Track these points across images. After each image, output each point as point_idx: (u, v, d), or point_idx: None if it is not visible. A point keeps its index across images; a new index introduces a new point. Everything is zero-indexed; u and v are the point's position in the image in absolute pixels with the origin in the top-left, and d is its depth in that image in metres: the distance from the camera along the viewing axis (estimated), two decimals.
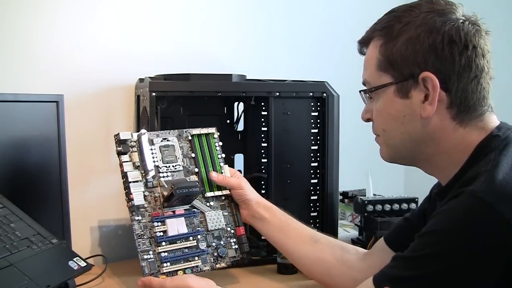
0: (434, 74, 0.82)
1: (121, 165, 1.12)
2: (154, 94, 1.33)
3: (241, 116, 1.60)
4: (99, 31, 1.50)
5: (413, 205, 1.45)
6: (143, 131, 1.17)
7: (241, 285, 1.25)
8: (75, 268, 1.05)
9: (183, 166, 1.18)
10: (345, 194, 1.69)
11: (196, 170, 1.19)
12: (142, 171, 1.13)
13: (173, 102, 1.45)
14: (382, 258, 0.89)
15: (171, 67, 1.53)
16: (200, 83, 1.40)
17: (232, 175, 1.22)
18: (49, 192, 1.28)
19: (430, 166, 0.90)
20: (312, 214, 1.48)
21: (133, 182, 1.11)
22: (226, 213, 1.20)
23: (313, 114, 1.49)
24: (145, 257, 1.08)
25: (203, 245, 1.14)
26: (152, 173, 1.13)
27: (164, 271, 1.09)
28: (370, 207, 1.43)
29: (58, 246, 1.09)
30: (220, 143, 1.24)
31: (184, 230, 1.13)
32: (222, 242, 1.17)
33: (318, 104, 1.49)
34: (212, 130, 1.25)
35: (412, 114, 0.86)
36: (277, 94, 1.44)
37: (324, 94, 1.47)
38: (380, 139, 0.94)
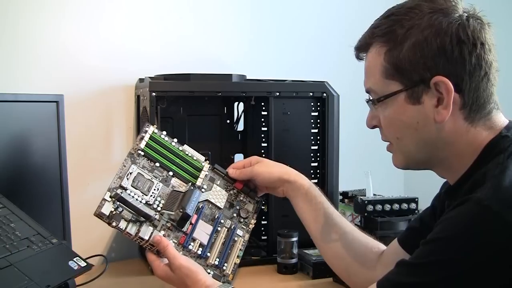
0: (446, 77, 0.80)
1: (125, 233, 1.03)
2: (154, 94, 1.33)
3: (241, 116, 1.60)
4: (99, 31, 1.50)
5: (413, 205, 1.45)
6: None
7: (241, 285, 1.25)
8: (75, 268, 1.05)
9: (160, 180, 1.11)
10: (345, 194, 1.69)
11: (171, 173, 1.13)
12: (142, 219, 1.05)
13: (173, 102, 1.45)
14: (396, 260, 0.88)
15: (171, 67, 1.53)
16: (200, 83, 1.40)
17: (246, 165, 1.17)
18: (49, 192, 1.28)
19: (443, 168, 0.89)
20: None
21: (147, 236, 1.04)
22: (219, 181, 1.16)
23: (313, 114, 1.49)
24: (207, 271, 1.05)
25: (228, 223, 1.13)
26: (152, 213, 1.06)
27: (229, 270, 1.08)
28: (370, 207, 1.43)
29: (58, 246, 1.08)
30: (164, 132, 1.16)
31: (209, 228, 1.11)
32: (237, 206, 1.15)
33: (318, 104, 1.49)
34: (150, 130, 1.15)
35: (425, 119, 0.84)
36: (277, 94, 1.44)
37: (324, 94, 1.47)
38: (393, 147, 0.91)
